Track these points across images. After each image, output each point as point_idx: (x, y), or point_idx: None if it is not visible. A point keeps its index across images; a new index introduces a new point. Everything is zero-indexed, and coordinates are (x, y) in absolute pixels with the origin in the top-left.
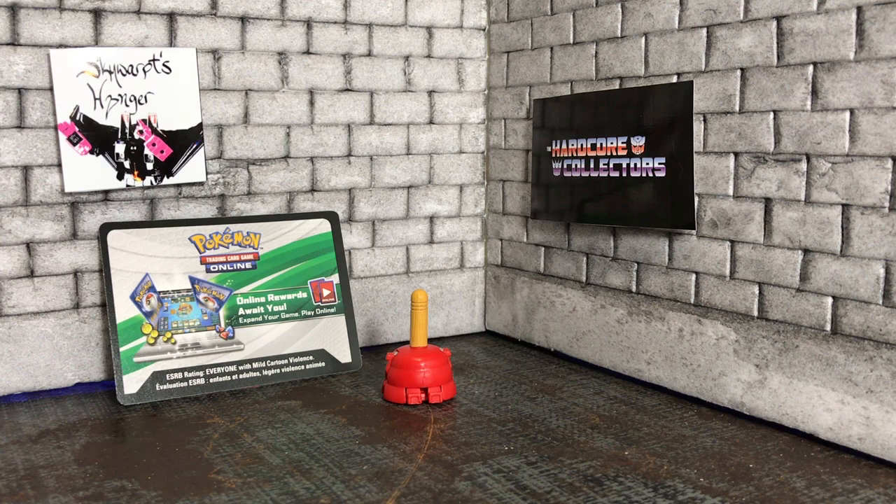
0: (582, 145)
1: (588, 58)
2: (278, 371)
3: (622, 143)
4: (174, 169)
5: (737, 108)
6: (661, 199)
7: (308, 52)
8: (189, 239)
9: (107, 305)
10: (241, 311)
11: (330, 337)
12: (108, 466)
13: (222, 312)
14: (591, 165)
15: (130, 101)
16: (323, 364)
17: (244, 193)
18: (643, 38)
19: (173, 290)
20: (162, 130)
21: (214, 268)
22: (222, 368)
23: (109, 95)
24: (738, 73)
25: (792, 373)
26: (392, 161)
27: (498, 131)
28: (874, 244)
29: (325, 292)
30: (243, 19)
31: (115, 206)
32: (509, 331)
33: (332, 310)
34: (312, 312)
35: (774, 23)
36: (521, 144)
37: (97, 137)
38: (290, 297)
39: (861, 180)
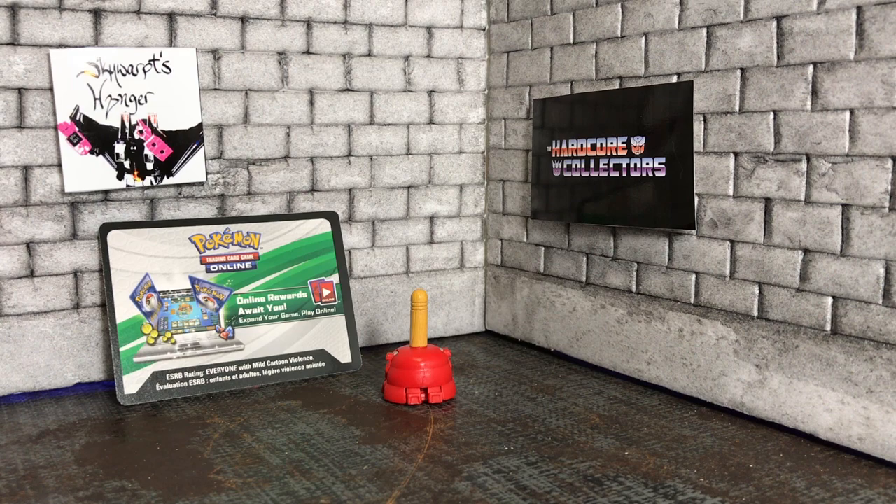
0: (582, 145)
1: (588, 58)
2: (278, 371)
3: (622, 143)
4: (174, 169)
5: (737, 108)
6: (661, 199)
7: (308, 52)
8: (189, 239)
9: (107, 305)
10: (241, 311)
11: (330, 337)
12: (108, 466)
13: (222, 312)
14: (591, 165)
15: (130, 101)
16: (323, 364)
17: (244, 193)
18: (643, 38)
19: (173, 290)
20: (162, 130)
21: (214, 268)
22: (222, 368)
23: (109, 95)
24: (738, 73)
25: (792, 373)
26: (392, 161)
27: (498, 131)
28: (874, 244)
29: (325, 292)
30: (243, 19)
31: (115, 206)
32: (509, 331)
33: (332, 310)
34: (312, 312)
35: (774, 23)
36: (521, 144)
37: (97, 137)
38: (290, 297)
39: (861, 180)
